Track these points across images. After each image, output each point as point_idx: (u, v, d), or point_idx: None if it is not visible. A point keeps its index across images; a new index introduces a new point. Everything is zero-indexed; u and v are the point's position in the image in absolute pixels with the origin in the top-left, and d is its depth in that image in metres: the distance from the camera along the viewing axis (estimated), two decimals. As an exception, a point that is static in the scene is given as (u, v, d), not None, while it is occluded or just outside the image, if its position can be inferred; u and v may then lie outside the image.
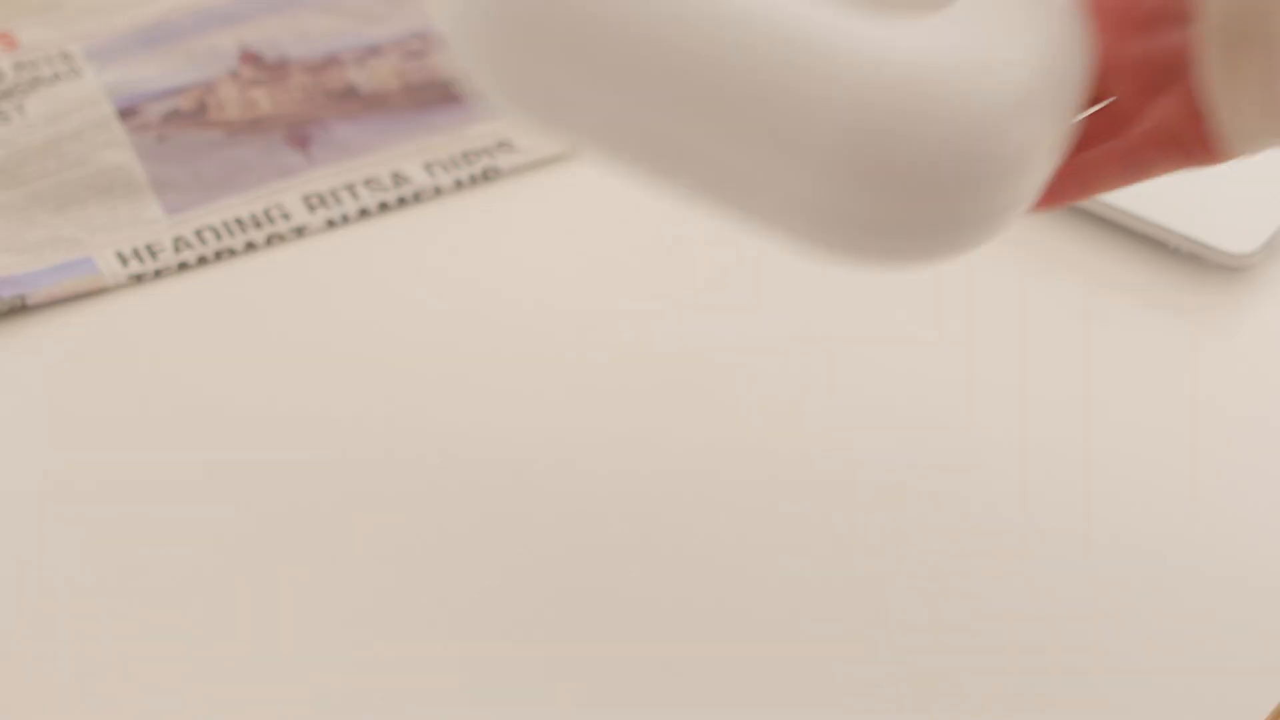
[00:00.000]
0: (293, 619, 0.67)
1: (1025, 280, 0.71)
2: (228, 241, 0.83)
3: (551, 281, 0.82)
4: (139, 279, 0.81)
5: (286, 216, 0.85)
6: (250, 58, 0.95)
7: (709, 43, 0.55)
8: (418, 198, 0.86)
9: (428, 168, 0.87)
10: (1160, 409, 0.76)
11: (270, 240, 0.84)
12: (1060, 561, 0.69)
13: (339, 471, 0.72)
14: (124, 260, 0.82)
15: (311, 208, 0.85)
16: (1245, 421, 0.76)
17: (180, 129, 0.90)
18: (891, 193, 0.55)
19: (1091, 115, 0.65)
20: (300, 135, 0.90)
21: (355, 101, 0.92)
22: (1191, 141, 0.62)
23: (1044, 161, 0.59)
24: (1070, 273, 0.73)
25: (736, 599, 0.68)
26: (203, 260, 0.83)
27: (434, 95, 0.93)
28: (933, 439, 0.74)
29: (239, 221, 0.85)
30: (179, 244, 0.83)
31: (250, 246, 0.83)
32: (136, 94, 0.92)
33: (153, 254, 0.82)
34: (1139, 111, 0.64)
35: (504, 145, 0.90)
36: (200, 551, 0.68)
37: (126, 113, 0.90)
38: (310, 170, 0.88)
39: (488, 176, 0.88)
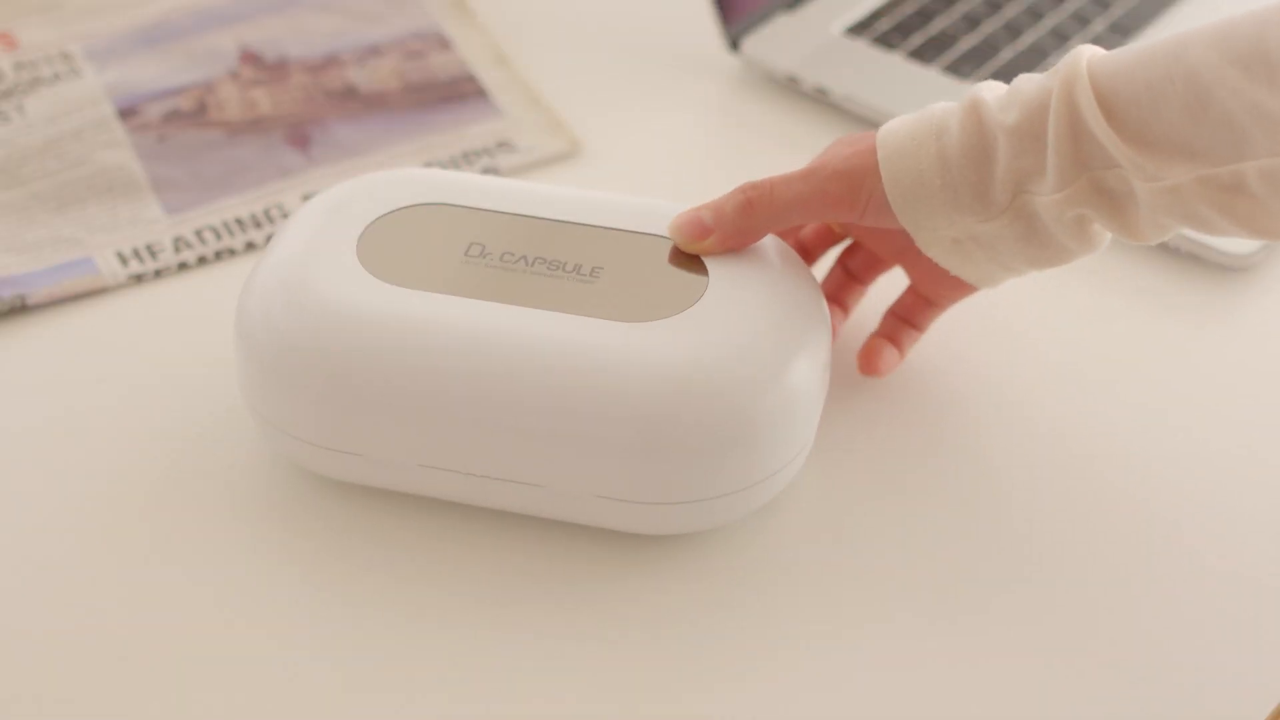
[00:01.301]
0: (296, 613, 0.67)
1: (1029, 280, 0.72)
2: (228, 241, 0.84)
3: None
4: (139, 279, 0.81)
5: (286, 216, 0.85)
6: (250, 58, 0.95)
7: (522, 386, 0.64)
8: (418, 198, 0.87)
9: (428, 167, 0.87)
10: (1161, 407, 0.76)
11: (270, 240, 0.84)
12: (1061, 561, 0.69)
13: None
14: (124, 260, 0.82)
15: (311, 208, 0.85)
16: (1245, 419, 0.76)
17: (180, 129, 0.90)
18: (687, 466, 0.64)
19: (850, 255, 0.77)
20: (300, 135, 0.90)
21: (355, 101, 0.92)
22: (946, 293, 0.74)
23: (811, 399, 0.66)
24: (1073, 272, 0.73)
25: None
26: (203, 260, 0.83)
27: (434, 95, 0.93)
28: (948, 432, 0.74)
29: (239, 221, 0.85)
30: (179, 244, 0.83)
31: (250, 246, 0.84)
32: (136, 94, 0.92)
33: (153, 254, 0.82)
34: (882, 247, 0.75)
35: (504, 145, 0.90)
36: (201, 548, 0.68)
37: (126, 113, 0.90)
38: (310, 170, 0.88)
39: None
